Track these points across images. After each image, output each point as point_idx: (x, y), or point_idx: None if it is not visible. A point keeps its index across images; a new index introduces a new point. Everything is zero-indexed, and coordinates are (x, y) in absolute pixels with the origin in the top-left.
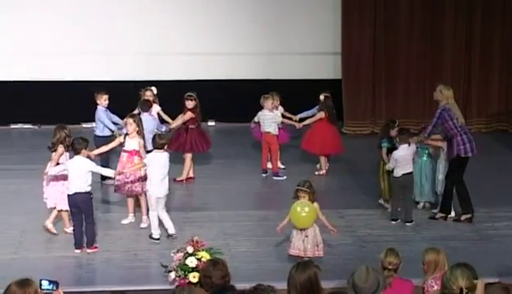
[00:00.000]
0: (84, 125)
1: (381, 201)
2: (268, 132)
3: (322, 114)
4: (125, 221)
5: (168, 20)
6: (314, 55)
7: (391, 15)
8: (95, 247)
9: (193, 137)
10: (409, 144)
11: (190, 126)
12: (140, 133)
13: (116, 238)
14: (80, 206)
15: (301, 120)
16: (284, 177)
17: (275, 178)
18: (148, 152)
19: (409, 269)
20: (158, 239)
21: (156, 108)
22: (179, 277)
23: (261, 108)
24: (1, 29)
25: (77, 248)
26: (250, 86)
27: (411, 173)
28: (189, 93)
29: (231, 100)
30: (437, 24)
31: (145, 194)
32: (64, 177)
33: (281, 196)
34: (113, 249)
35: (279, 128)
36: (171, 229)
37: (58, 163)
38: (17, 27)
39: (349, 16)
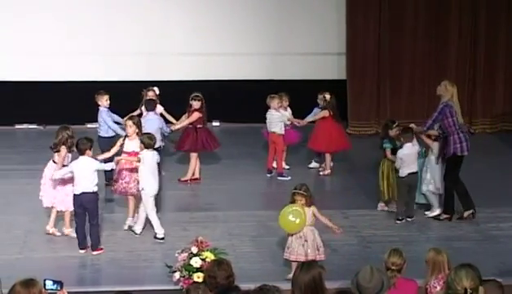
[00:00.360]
0: (88, 125)
1: (380, 206)
2: (274, 132)
3: (326, 113)
4: (125, 226)
5: (170, 21)
6: (318, 55)
7: (396, 14)
8: (100, 249)
9: (203, 136)
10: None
11: (198, 126)
12: (140, 135)
13: (120, 238)
14: (86, 206)
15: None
16: (289, 178)
17: (279, 178)
18: (155, 150)
19: (414, 269)
20: (163, 239)
21: (159, 108)
22: (184, 277)
23: (266, 108)
24: (7, 30)
25: (81, 248)
26: (254, 87)
27: (416, 172)
28: (195, 93)
29: (236, 101)
30: (442, 24)
31: (137, 196)
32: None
33: (286, 196)
34: (118, 249)
35: (289, 128)
36: (139, 229)
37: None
38: (22, 28)
39: (353, 16)
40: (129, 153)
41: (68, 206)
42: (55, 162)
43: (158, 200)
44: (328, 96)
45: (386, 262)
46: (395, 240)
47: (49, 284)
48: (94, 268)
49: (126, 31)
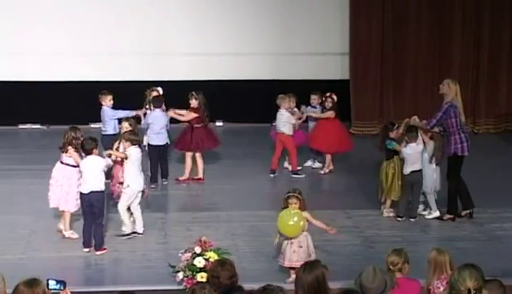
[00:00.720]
0: (92, 125)
1: (386, 212)
2: (283, 132)
3: (333, 114)
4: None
5: (173, 21)
6: (321, 55)
7: (399, 14)
8: (104, 249)
9: (199, 136)
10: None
11: (195, 126)
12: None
13: (124, 238)
14: (95, 205)
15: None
16: (303, 175)
17: (294, 176)
18: (159, 147)
19: (417, 269)
20: (129, 235)
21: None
22: (187, 277)
23: (268, 108)
24: (10, 30)
25: (85, 247)
26: (257, 87)
27: (420, 171)
28: (192, 92)
29: (239, 101)
30: (445, 24)
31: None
32: (70, 178)
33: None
34: (121, 249)
35: (297, 129)
36: (140, 228)
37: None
38: (26, 28)
39: (357, 17)
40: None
41: (69, 207)
42: (62, 162)
43: (162, 200)
44: (335, 97)
45: (386, 262)
46: (398, 240)
47: (52, 284)
48: (97, 268)
49: (129, 31)
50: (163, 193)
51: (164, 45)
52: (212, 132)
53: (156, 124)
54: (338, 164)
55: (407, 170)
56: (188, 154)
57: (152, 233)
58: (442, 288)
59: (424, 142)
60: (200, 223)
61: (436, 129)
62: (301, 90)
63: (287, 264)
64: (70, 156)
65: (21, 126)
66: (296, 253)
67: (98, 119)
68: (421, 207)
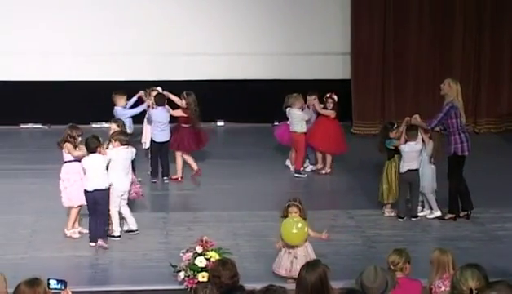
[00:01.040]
0: (93, 125)
1: (387, 212)
2: (295, 131)
3: (333, 113)
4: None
5: (175, 21)
6: (323, 55)
7: (401, 14)
8: (106, 242)
9: (183, 136)
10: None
11: (182, 125)
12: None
13: (125, 238)
14: (99, 202)
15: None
16: (305, 175)
17: (296, 175)
18: (162, 143)
19: (418, 269)
20: (119, 237)
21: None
22: (188, 277)
23: (270, 108)
24: (12, 30)
25: (91, 241)
26: (259, 87)
27: (416, 170)
28: (184, 92)
29: (240, 101)
30: (447, 24)
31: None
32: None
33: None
34: (123, 249)
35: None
36: (133, 225)
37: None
38: (27, 28)
39: (358, 16)
40: None
41: (71, 203)
42: (65, 162)
43: (163, 200)
44: (335, 97)
45: (387, 261)
46: (400, 240)
47: (53, 283)
48: (98, 267)
49: (131, 31)
50: (164, 192)
51: (165, 45)
52: (199, 134)
53: (157, 121)
54: (340, 164)
55: (403, 168)
56: (178, 153)
57: (154, 232)
58: (443, 288)
59: (424, 142)
60: (201, 223)
61: (437, 128)
62: (302, 90)
63: (282, 272)
64: (68, 151)
65: (22, 126)
66: (291, 263)
67: (99, 119)
68: (418, 208)
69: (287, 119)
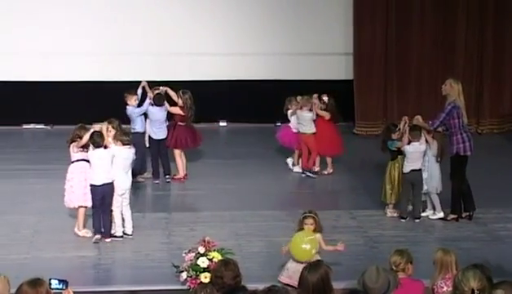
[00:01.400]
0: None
1: (389, 213)
2: (304, 132)
3: (328, 115)
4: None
5: (178, 21)
6: (325, 55)
7: (403, 14)
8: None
9: (180, 134)
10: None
11: (178, 123)
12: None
13: (127, 238)
14: (106, 196)
15: None
16: (316, 176)
17: (308, 173)
18: (159, 140)
19: (420, 269)
20: (122, 237)
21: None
22: (191, 277)
23: (272, 108)
24: (14, 30)
25: (95, 234)
26: (261, 87)
27: (419, 170)
28: (180, 90)
29: (243, 101)
30: (449, 24)
31: None
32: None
33: (294, 196)
34: (125, 249)
35: (297, 133)
36: (130, 229)
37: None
38: (29, 28)
39: (360, 16)
40: None
41: (72, 204)
42: (72, 162)
43: (165, 200)
44: (325, 99)
45: (389, 262)
46: (402, 240)
47: (54, 283)
48: (101, 267)
49: (133, 31)
50: (166, 193)
51: (167, 45)
52: (195, 132)
53: (155, 119)
54: (342, 164)
55: (407, 168)
56: (177, 152)
57: (156, 233)
58: (445, 288)
59: (427, 142)
60: (203, 223)
61: (439, 128)
62: (304, 90)
63: (288, 281)
64: (77, 151)
65: (25, 127)
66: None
67: (102, 119)
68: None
69: (289, 121)
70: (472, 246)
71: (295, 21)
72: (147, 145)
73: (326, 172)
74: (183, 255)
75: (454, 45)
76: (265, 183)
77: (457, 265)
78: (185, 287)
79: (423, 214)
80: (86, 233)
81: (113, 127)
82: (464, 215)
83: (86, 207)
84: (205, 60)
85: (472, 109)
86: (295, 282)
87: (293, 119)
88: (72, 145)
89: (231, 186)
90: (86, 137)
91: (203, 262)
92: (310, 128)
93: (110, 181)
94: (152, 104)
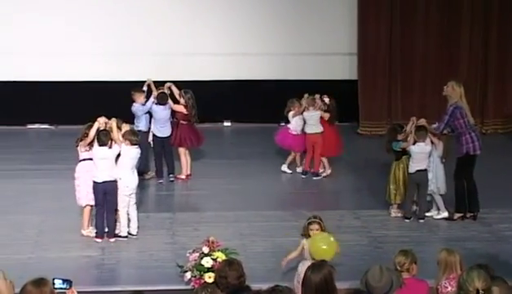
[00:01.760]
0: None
1: (393, 213)
2: (315, 132)
3: (327, 116)
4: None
5: (181, 21)
6: (329, 55)
7: (407, 14)
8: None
9: (183, 132)
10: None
11: (181, 122)
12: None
13: (131, 238)
14: (109, 193)
15: None
16: (321, 177)
17: (314, 178)
18: (163, 138)
19: (425, 269)
20: (126, 237)
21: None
22: (195, 277)
23: (276, 108)
24: (18, 30)
25: (97, 237)
26: (265, 87)
27: (425, 170)
28: (182, 90)
29: (247, 101)
30: (453, 23)
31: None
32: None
33: (298, 197)
34: (129, 249)
35: (297, 135)
36: (135, 230)
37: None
38: (33, 28)
39: (365, 16)
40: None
41: (80, 202)
42: (80, 160)
43: (169, 200)
44: (327, 100)
45: (394, 262)
46: (406, 240)
47: (58, 283)
48: (105, 267)
49: (138, 31)
50: (170, 193)
51: (171, 45)
52: (197, 131)
53: (158, 118)
54: (346, 164)
55: (412, 168)
56: (182, 151)
57: (160, 233)
58: (449, 288)
59: (433, 143)
60: (207, 223)
61: (445, 131)
62: (308, 90)
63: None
64: (84, 150)
65: (29, 126)
66: None
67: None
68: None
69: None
70: (477, 246)
71: (299, 21)
72: (151, 145)
73: (325, 174)
74: (188, 255)
75: (459, 45)
76: (269, 183)
77: (462, 265)
78: (189, 287)
79: (427, 214)
80: (90, 232)
81: (118, 127)
82: (469, 215)
83: (91, 206)
84: (209, 60)
85: (476, 109)
86: None
87: (294, 121)
88: (80, 144)
89: (235, 186)
90: (92, 133)
91: (207, 262)
92: (318, 127)
93: (112, 179)
94: (156, 103)
